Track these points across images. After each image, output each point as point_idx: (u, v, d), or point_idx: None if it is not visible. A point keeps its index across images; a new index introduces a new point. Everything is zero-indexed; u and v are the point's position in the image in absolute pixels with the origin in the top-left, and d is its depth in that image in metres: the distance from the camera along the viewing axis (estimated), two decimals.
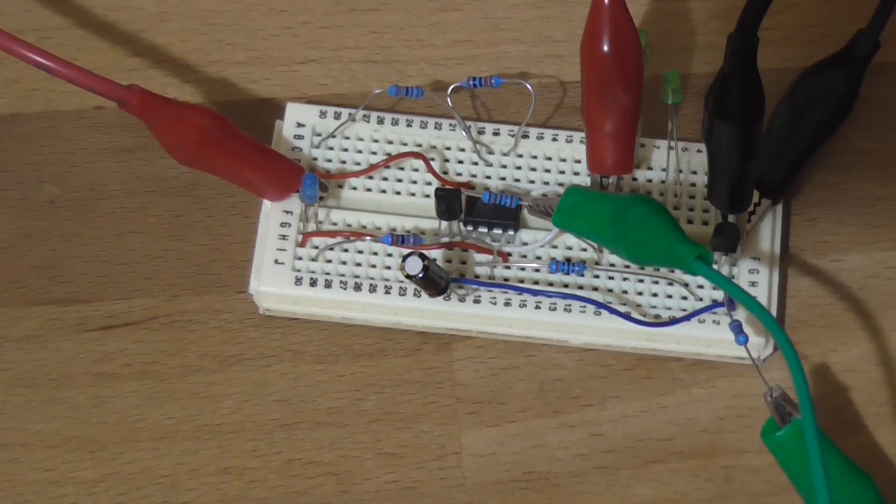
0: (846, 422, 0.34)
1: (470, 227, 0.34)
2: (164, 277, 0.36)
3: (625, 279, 0.34)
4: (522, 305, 0.34)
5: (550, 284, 0.34)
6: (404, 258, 0.32)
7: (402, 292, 0.34)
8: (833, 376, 0.34)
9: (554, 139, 0.36)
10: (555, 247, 0.34)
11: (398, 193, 0.35)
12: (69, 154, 0.37)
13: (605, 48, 0.31)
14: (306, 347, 0.35)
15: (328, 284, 0.34)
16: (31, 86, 0.37)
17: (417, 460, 0.34)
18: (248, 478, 0.34)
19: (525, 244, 0.34)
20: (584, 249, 0.34)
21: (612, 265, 0.34)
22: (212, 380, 0.35)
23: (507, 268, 0.34)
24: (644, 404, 0.34)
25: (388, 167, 0.35)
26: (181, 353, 0.35)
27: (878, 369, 0.35)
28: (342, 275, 0.34)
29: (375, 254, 0.34)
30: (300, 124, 0.36)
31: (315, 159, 0.35)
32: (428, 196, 0.35)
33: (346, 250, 0.34)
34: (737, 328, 0.32)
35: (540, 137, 0.36)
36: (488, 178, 0.35)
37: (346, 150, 0.36)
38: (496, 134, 0.36)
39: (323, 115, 0.36)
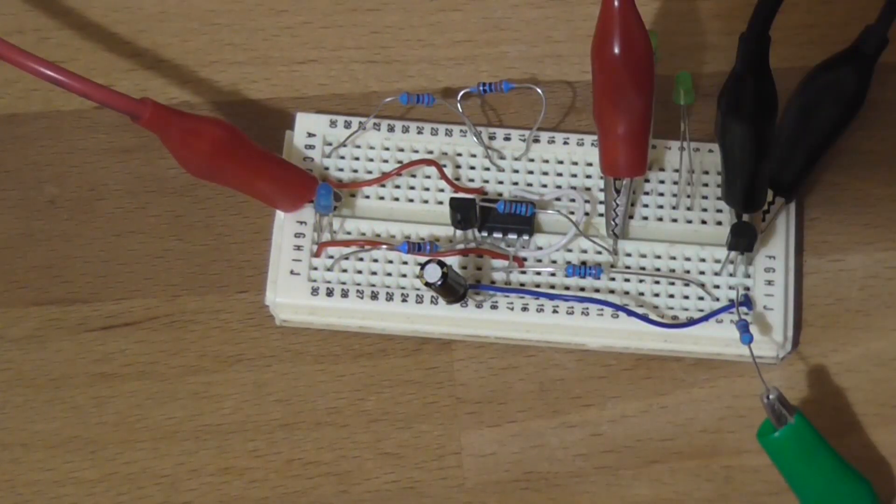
0: (846, 422, 0.34)
1: (485, 233, 0.34)
2: (164, 277, 0.36)
3: (641, 281, 0.34)
4: (540, 310, 0.34)
5: (567, 288, 0.34)
6: (422, 266, 0.31)
7: (419, 300, 0.34)
8: (833, 376, 0.34)
9: (565, 142, 0.35)
10: (570, 250, 0.34)
11: (411, 201, 0.35)
12: (69, 154, 0.37)
13: (616, 50, 0.30)
14: (306, 347, 0.35)
15: (345, 294, 0.34)
16: (31, 86, 0.37)
17: (417, 460, 0.34)
18: (248, 478, 0.34)
19: (540, 248, 0.34)
20: (599, 252, 0.34)
21: (628, 268, 0.34)
22: (212, 380, 0.35)
23: (523, 272, 0.34)
24: (644, 404, 0.34)
25: (400, 175, 0.35)
26: (181, 353, 0.35)
27: (878, 369, 0.35)
28: (358, 284, 0.34)
29: (391, 262, 0.34)
30: (311, 134, 0.35)
31: (327, 168, 0.35)
32: (441, 203, 0.35)
33: (361, 259, 0.34)
34: (743, 327, 0.32)
35: (551, 141, 0.35)
36: (501, 183, 0.35)
37: (357, 158, 0.35)
38: (507, 139, 0.36)
39: (333, 124, 0.36)
